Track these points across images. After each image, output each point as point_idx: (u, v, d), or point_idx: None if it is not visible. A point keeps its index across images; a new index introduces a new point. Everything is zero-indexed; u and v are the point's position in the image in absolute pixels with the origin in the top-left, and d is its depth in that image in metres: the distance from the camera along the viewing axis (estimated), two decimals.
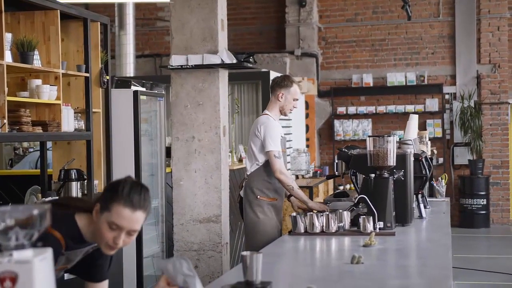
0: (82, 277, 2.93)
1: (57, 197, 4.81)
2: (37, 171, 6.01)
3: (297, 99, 5.34)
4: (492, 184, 12.57)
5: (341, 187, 12.24)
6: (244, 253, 2.77)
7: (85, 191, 5.66)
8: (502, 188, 12.68)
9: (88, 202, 2.77)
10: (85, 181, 5.64)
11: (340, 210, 4.44)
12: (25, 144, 8.80)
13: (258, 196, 5.19)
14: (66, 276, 4.40)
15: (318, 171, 11.31)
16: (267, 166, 5.18)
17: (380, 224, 4.32)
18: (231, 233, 6.78)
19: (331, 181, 11.45)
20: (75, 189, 5.53)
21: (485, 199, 12.30)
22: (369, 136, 4.54)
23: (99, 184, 5.91)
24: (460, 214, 12.48)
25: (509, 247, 11.01)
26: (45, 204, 1.88)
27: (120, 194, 2.58)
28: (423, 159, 5.14)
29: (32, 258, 1.78)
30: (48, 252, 1.84)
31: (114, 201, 2.58)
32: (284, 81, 5.31)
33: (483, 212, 12.32)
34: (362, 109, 12.92)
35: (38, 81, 5.09)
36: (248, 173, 5.28)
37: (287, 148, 9.95)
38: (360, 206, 4.51)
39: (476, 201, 12.29)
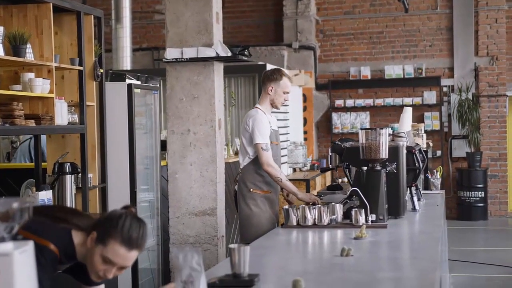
0: (78, 279, 2.89)
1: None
2: (32, 165, 6.01)
3: (287, 92, 5.33)
4: (490, 176, 12.57)
5: (339, 180, 12.25)
6: (232, 246, 2.78)
7: (79, 184, 5.66)
8: (500, 180, 12.68)
9: (86, 219, 2.74)
10: (79, 174, 5.64)
11: (333, 203, 4.45)
12: (22, 138, 8.80)
13: (251, 189, 5.20)
14: None
15: (316, 164, 11.31)
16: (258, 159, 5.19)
17: (373, 217, 4.33)
18: (226, 226, 6.78)
19: (328, 174, 11.46)
20: (69, 183, 5.53)
21: (483, 192, 12.31)
22: (361, 129, 4.54)
23: (93, 178, 5.91)
24: (458, 207, 12.48)
25: (507, 239, 11.02)
26: (26, 201, 1.89)
27: (119, 231, 2.58)
28: (417, 152, 5.14)
29: (12, 250, 1.79)
30: (29, 245, 1.85)
31: (111, 237, 2.58)
32: (274, 75, 5.31)
33: (481, 204, 12.32)
34: (360, 102, 12.92)
35: (31, 75, 5.08)
36: (241, 167, 5.30)
37: (284, 141, 10.01)
38: (353, 199, 4.51)
39: (474, 193, 12.29)
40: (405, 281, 2.89)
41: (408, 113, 5.59)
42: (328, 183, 11.00)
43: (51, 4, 5.26)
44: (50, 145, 5.85)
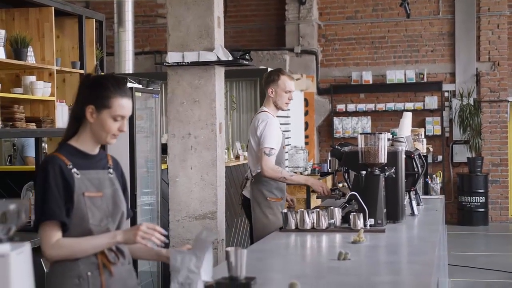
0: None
1: None
2: (33, 167, 6.03)
3: (289, 91, 5.25)
4: (491, 182, 12.57)
5: (340, 184, 12.25)
6: (228, 249, 2.80)
7: None
8: (501, 186, 12.68)
9: (70, 126, 2.91)
10: None
11: (331, 207, 4.46)
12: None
13: (268, 198, 5.14)
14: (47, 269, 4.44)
15: (317, 168, 11.32)
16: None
17: (371, 221, 4.33)
18: (227, 229, 6.79)
19: (329, 178, 11.46)
20: None
21: (483, 197, 12.31)
22: (360, 133, 4.55)
23: None
24: (458, 212, 12.49)
25: (507, 244, 11.03)
26: (22, 202, 1.91)
27: (113, 90, 2.81)
28: (416, 157, 5.15)
29: (9, 252, 1.80)
30: (26, 247, 1.87)
31: (110, 98, 2.80)
32: (271, 76, 5.28)
33: (482, 210, 12.32)
34: (362, 106, 12.94)
35: (32, 78, 5.11)
36: (253, 174, 5.20)
37: (286, 145, 10.02)
38: (351, 203, 4.52)
39: (475, 198, 12.29)
40: (401, 285, 2.90)
41: (407, 118, 5.61)
42: (330, 187, 10.99)
43: (53, 7, 5.29)
44: (51, 148, 5.87)
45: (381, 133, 4.50)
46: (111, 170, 2.96)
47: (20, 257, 1.83)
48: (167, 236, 6.01)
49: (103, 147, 3.08)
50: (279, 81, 5.24)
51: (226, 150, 7.33)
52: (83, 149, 2.87)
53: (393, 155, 4.62)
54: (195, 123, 5.96)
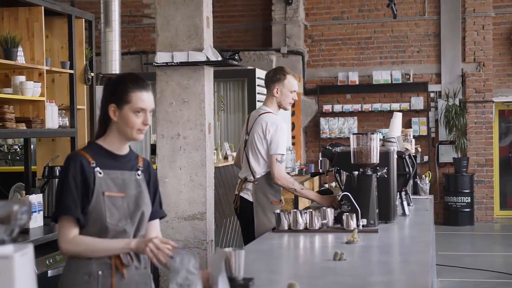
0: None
1: None
2: (21, 168, 5.98)
3: (294, 91, 5.11)
4: (476, 182, 12.65)
5: (326, 185, 12.28)
6: (227, 249, 2.79)
7: None
8: (486, 186, 12.76)
9: (98, 129, 2.96)
10: None
11: (324, 207, 4.46)
12: (10, 141, 8.77)
13: (273, 202, 5.02)
14: (50, 273, 4.42)
15: (304, 169, 11.34)
16: None
17: (363, 222, 4.34)
18: (216, 230, 6.78)
19: (316, 179, 11.49)
20: None
21: (469, 197, 12.38)
22: (353, 134, 4.55)
23: None
24: (444, 212, 12.55)
25: (493, 244, 11.10)
26: (26, 203, 1.89)
27: (131, 85, 2.87)
28: (407, 157, 5.16)
29: (12, 253, 1.79)
30: (29, 248, 1.85)
31: (129, 93, 2.86)
32: (277, 75, 5.10)
33: (468, 210, 12.39)
34: (348, 107, 12.96)
35: (22, 78, 5.07)
36: (257, 176, 5.04)
37: None
38: (343, 203, 4.52)
39: (461, 199, 12.36)
40: (397, 285, 2.91)
41: (398, 118, 5.62)
42: (317, 187, 11.03)
43: (43, 7, 5.25)
44: (40, 148, 5.83)
45: (373, 133, 4.51)
46: (139, 172, 2.97)
47: (23, 259, 1.81)
48: None
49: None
50: (285, 80, 5.07)
51: (215, 151, 7.31)
52: (110, 149, 2.91)
53: (385, 156, 4.63)
54: (184, 124, 5.95)
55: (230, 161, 7.89)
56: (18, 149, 9.40)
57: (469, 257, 9.59)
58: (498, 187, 13.06)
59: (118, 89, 2.89)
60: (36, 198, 5.17)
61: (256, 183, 5.05)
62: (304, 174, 10.84)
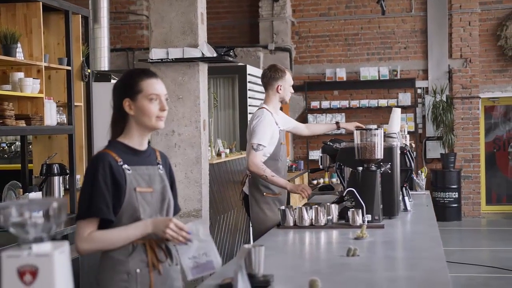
0: None
1: None
2: (18, 166, 5.92)
3: (291, 84, 5.40)
4: (463, 177, 12.72)
5: (315, 181, 12.29)
6: (247, 246, 2.77)
7: (67, 186, 5.59)
8: (473, 181, 12.84)
9: (113, 127, 2.93)
10: (67, 175, 5.58)
11: (328, 203, 4.45)
12: (10, 138, 8.71)
13: (264, 193, 5.15)
14: None
15: (294, 166, 11.35)
16: (270, 161, 5.12)
17: (368, 217, 4.34)
18: (211, 227, 6.76)
19: (306, 175, 11.50)
20: (57, 184, 5.46)
21: (456, 193, 12.45)
22: (356, 129, 4.55)
23: (81, 179, 5.84)
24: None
25: (481, 239, 11.18)
26: (63, 200, 1.86)
27: (139, 75, 2.88)
28: (408, 152, 5.18)
29: (52, 251, 1.77)
30: (66, 245, 1.82)
31: (138, 82, 2.86)
32: (278, 73, 5.27)
33: (455, 205, 12.47)
34: (336, 103, 12.97)
35: (21, 74, 5.01)
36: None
37: None
38: (346, 199, 4.52)
39: (448, 194, 12.43)
40: (419, 280, 2.90)
41: (397, 113, 5.63)
42: (307, 183, 11.03)
43: (41, 3, 5.19)
44: (37, 146, 5.77)
45: (377, 129, 4.51)
46: (160, 166, 2.96)
47: (62, 256, 1.79)
48: None
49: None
50: (286, 76, 5.31)
51: (209, 148, 7.28)
52: (132, 145, 2.89)
53: (388, 151, 4.64)
54: (179, 120, 5.92)
55: (224, 158, 7.87)
56: (6, 147, 9.33)
57: (457, 252, 9.63)
58: (484, 183, 13.16)
59: (127, 83, 2.88)
60: (36, 196, 5.13)
61: (250, 176, 5.18)
62: (293, 171, 10.85)
